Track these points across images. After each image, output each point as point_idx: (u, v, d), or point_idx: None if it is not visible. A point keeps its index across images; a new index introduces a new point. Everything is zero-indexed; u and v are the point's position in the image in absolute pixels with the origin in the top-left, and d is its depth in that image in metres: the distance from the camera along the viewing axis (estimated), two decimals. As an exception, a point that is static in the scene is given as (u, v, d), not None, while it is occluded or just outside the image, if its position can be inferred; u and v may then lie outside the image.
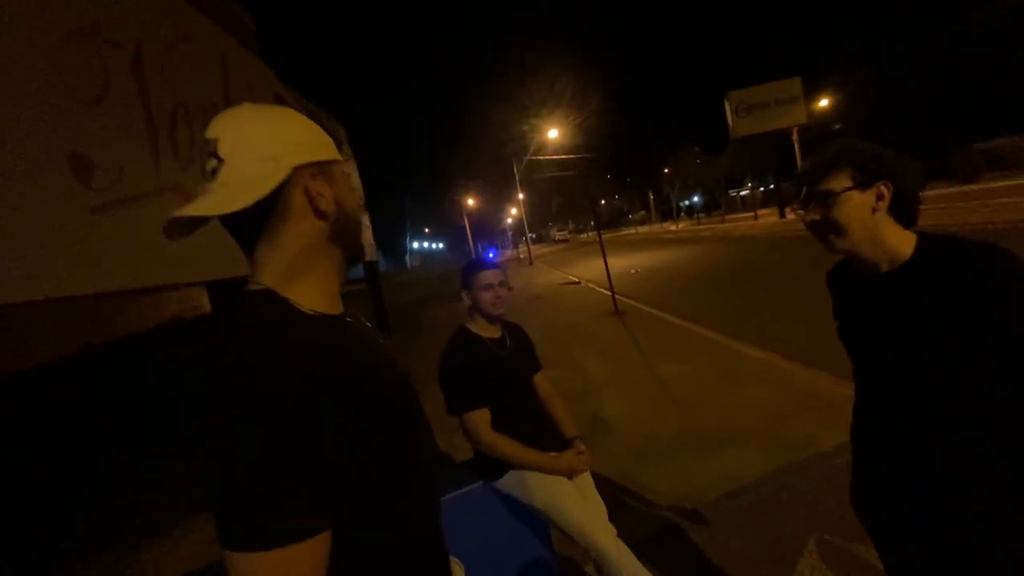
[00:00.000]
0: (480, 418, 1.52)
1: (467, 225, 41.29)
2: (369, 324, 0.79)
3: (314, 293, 0.67)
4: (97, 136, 2.19)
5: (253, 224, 0.65)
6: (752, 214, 28.49)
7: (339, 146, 5.67)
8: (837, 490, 2.08)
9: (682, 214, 46.89)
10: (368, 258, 7.38)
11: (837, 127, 26.37)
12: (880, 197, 0.94)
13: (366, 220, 7.41)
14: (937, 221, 9.61)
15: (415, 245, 77.02)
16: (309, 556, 0.53)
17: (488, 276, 1.62)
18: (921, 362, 0.91)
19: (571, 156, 27.14)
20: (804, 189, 1.01)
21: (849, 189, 0.95)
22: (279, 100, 4.57)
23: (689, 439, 2.88)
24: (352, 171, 7.09)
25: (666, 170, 40.63)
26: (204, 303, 7.39)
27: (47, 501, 3.06)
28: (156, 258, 2.49)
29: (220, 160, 0.64)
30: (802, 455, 2.45)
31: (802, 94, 24.23)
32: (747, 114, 24.17)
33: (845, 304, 1.09)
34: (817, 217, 0.98)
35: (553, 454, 1.59)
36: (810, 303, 5.69)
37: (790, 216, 20.71)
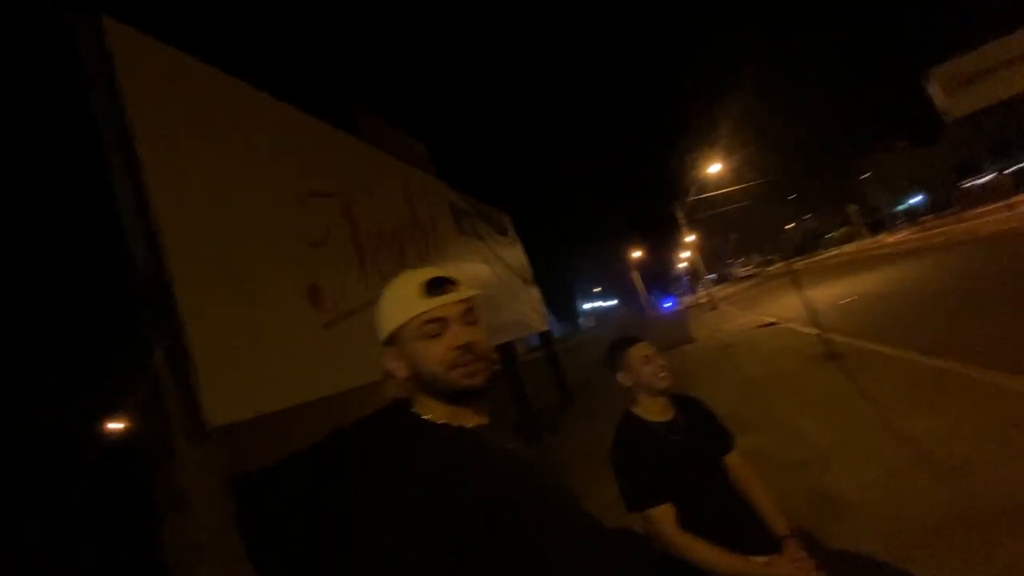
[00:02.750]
0: (662, 515, 1.36)
1: (636, 277, 40.39)
2: (502, 436, 0.87)
3: (446, 417, 0.81)
4: (323, 269, 2.77)
5: None
6: (1004, 204, 22.23)
7: (504, 232, 6.19)
8: None
9: (900, 221, 38.97)
10: (543, 328, 7.67)
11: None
12: None
13: (536, 292, 7.80)
14: None
15: (586, 306, 77.72)
16: None
17: (641, 349, 1.53)
18: None
19: (742, 185, 25.13)
20: None
21: None
22: (452, 207, 5.25)
23: (964, 520, 2.17)
24: (518, 251, 7.64)
25: (865, 175, 34.69)
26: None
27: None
28: (372, 358, 2.97)
29: None
30: None
31: (1045, 44, 18.88)
32: (965, 88, 19.61)
33: None
34: None
35: (761, 559, 1.33)
36: None
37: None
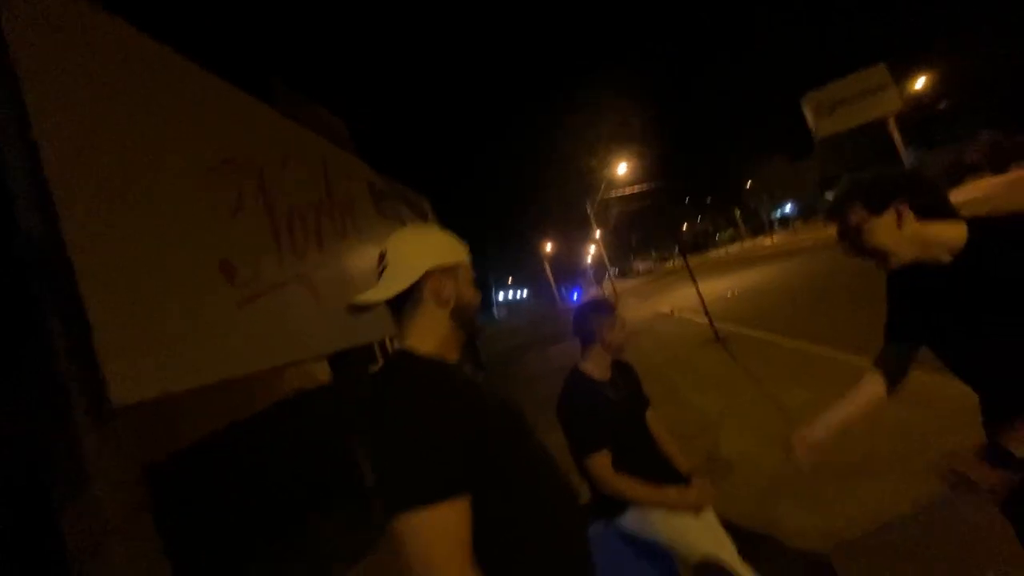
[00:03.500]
0: (603, 459, 1.54)
1: (547, 270, 41.68)
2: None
3: (440, 352, 0.96)
4: (236, 243, 2.61)
5: (397, 308, 0.97)
6: (857, 215, 25.96)
7: (424, 216, 6.14)
8: (1020, 520, 1.79)
9: (775, 226, 43.92)
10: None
11: (942, 106, 23.74)
12: (899, 214, 1.03)
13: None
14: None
15: (500, 297, 78.88)
16: (455, 516, 0.73)
17: (616, 317, 1.74)
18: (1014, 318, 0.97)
19: (644, 186, 26.84)
20: (837, 228, 1.13)
21: (866, 219, 1.06)
22: (372, 188, 5.10)
23: (824, 472, 2.62)
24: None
25: (749, 183, 38.68)
26: (322, 375, 8.09)
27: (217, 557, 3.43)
28: (288, 340, 2.85)
29: (385, 265, 0.97)
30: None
31: (891, 80, 22.27)
32: (830, 112, 22.59)
33: (913, 298, 1.16)
34: (855, 253, 1.12)
35: (677, 489, 1.58)
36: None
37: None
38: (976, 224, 1.01)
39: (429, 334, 0.95)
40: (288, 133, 3.59)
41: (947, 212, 1.04)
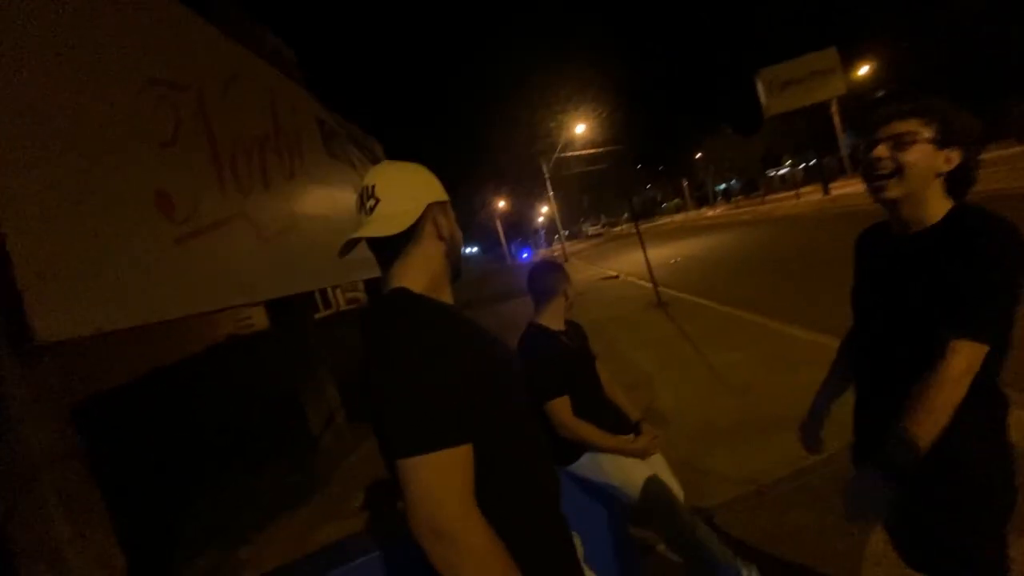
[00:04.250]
0: (564, 404, 1.61)
1: (499, 228, 41.54)
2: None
3: (438, 292, 0.92)
4: (174, 174, 2.41)
5: (394, 245, 0.90)
6: (794, 193, 27.45)
7: (376, 161, 5.86)
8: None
9: (719, 199, 45.64)
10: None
11: (880, 95, 24.97)
12: (948, 161, 0.95)
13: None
14: (1003, 184, 9.04)
15: (450, 251, 77.87)
16: (461, 462, 0.73)
17: (569, 277, 1.83)
18: (906, 317, 0.97)
19: (599, 150, 26.94)
20: (879, 116, 1.00)
21: (929, 141, 0.94)
22: (321, 124, 4.81)
23: (748, 425, 2.88)
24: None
25: (698, 155, 39.71)
26: (259, 321, 7.78)
27: (145, 508, 3.35)
28: (229, 282, 2.71)
29: (377, 200, 0.89)
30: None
31: (839, 64, 23.18)
32: (781, 90, 23.32)
33: (867, 266, 1.14)
34: (886, 154, 0.97)
35: (628, 436, 1.69)
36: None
37: (835, 192, 19.84)
38: (957, 212, 0.95)
39: (423, 273, 0.91)
40: (231, 56, 3.28)
41: (958, 191, 0.98)
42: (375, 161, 6.81)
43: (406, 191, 0.91)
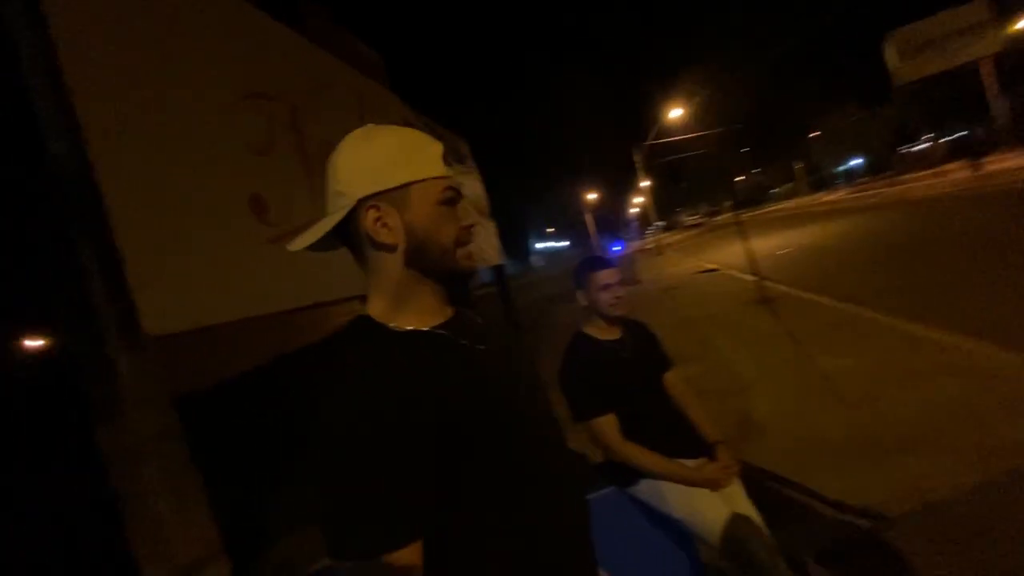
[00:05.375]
0: (607, 424, 1.45)
1: (588, 219, 40.82)
2: (478, 327, 0.78)
3: (406, 313, 0.70)
4: (267, 180, 2.59)
5: (355, 254, 0.73)
6: (933, 172, 23.77)
7: (462, 160, 5.97)
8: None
9: (839, 182, 40.95)
10: (497, 262, 7.68)
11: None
12: None
13: (492, 226, 7.71)
14: None
15: (538, 246, 78.40)
16: (401, 566, 0.57)
17: (604, 276, 1.55)
18: None
19: (697, 134, 25.31)
20: None
21: None
22: (408, 125, 4.97)
23: (862, 443, 2.48)
24: (476, 181, 7.43)
25: (814, 134, 35.78)
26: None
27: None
28: (320, 279, 2.88)
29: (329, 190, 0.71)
30: (1016, 463, 1.97)
31: (994, 15, 19.52)
32: (916, 54, 20.20)
33: None
34: None
35: (693, 463, 1.47)
36: (1019, 270, 4.57)
37: (988, 168, 16.82)
38: None
39: (381, 292, 0.71)
40: (321, 65, 3.47)
41: None
42: (459, 159, 6.93)
43: (334, 182, 0.69)
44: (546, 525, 0.70)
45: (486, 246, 7.15)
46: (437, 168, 0.70)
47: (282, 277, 2.54)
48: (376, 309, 0.71)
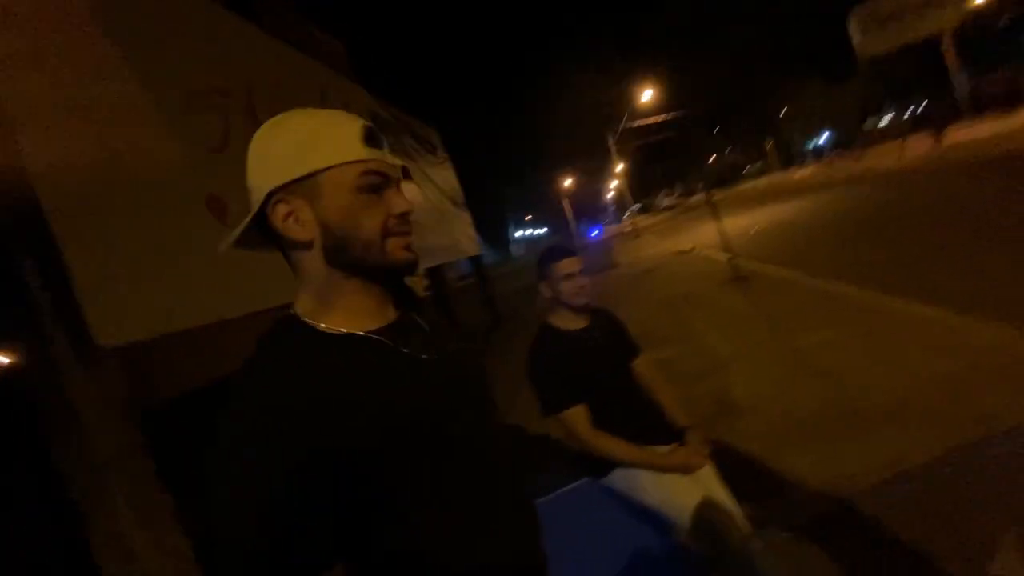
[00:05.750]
0: (576, 416, 1.44)
1: (566, 206, 40.90)
2: (424, 333, 0.71)
3: (335, 315, 0.64)
4: (225, 179, 2.48)
5: (283, 253, 0.67)
6: (897, 144, 24.34)
7: (433, 150, 5.88)
8: (1043, 473, 1.68)
9: (808, 158, 41.70)
10: (473, 253, 7.62)
11: (1003, 23, 21.29)
12: None
13: (467, 216, 7.64)
14: None
15: (517, 234, 78.31)
16: None
17: (566, 265, 1.52)
18: None
19: (668, 116, 25.43)
20: None
21: None
22: (375, 118, 4.86)
23: (837, 418, 2.53)
24: (447, 171, 7.34)
25: (783, 111, 36.27)
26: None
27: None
28: (286, 281, 2.80)
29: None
30: (986, 431, 2.01)
31: (955, -11, 19.96)
32: (880, 28, 20.56)
33: None
34: None
35: (665, 449, 1.47)
36: (986, 240, 4.72)
37: (949, 141, 17.30)
38: None
39: (309, 292, 0.65)
40: (279, 57, 3.34)
41: None
42: (431, 150, 6.83)
43: (247, 177, 0.64)
44: (488, 547, 0.66)
45: (461, 236, 7.08)
46: (352, 150, 0.62)
47: (257, 277, 2.45)
48: (303, 308, 0.65)
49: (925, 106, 23.96)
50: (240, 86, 2.81)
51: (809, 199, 14.31)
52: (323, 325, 0.63)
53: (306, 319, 0.63)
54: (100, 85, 1.94)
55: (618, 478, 1.46)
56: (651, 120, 24.79)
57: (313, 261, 0.64)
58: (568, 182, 40.47)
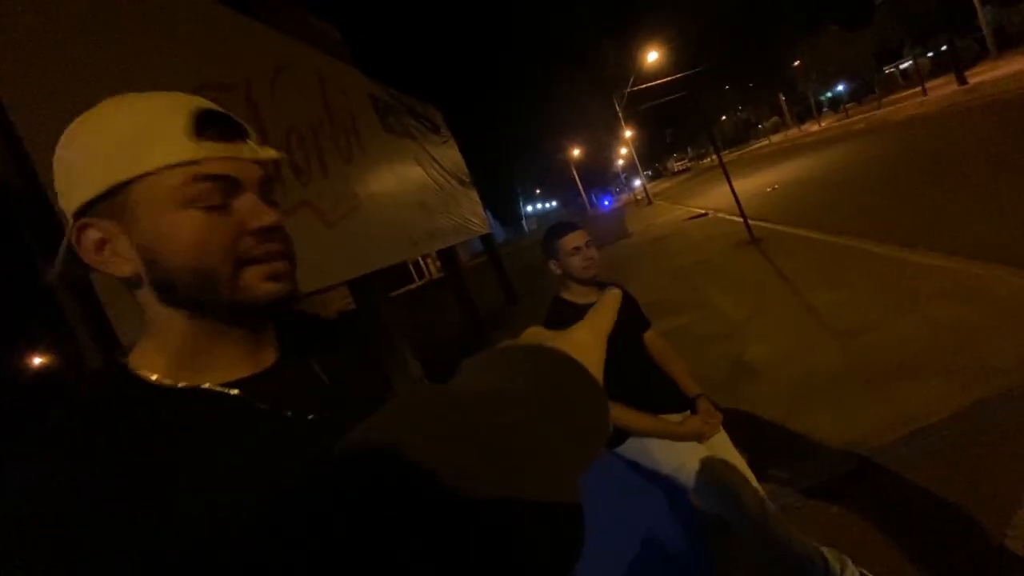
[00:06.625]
0: None
1: (575, 177, 40.33)
2: (308, 384, 0.54)
3: (183, 365, 0.47)
4: (232, 174, 2.51)
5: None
6: (919, 89, 23.30)
7: (436, 130, 5.82)
8: (1069, 422, 1.66)
9: (825, 110, 40.24)
10: (482, 231, 7.60)
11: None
12: None
13: (474, 194, 7.60)
14: None
15: (528, 208, 77.74)
16: None
17: (572, 239, 1.53)
18: None
19: (676, 76, 24.67)
20: None
21: None
22: (374, 101, 4.82)
23: (856, 375, 2.52)
24: (452, 149, 7.28)
25: (797, 62, 34.86)
26: (343, 302, 8.30)
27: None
28: (299, 269, 2.85)
29: None
30: (1011, 383, 1.98)
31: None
32: (898, -34, 19.47)
33: None
34: None
35: (677, 417, 1.49)
36: (1010, 185, 4.55)
37: (974, 80, 16.49)
38: None
39: (148, 336, 0.48)
40: (276, 48, 3.32)
41: None
42: (434, 130, 6.75)
43: (55, 186, 0.47)
44: None
45: (469, 215, 7.07)
46: (173, 149, 0.44)
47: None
48: (137, 356, 0.47)
49: (947, 46, 22.78)
50: (239, 80, 2.81)
51: (826, 153, 13.87)
52: (154, 376, 0.45)
53: (134, 369, 0.46)
54: (104, 84, 1.96)
55: (631, 447, 1.49)
56: (659, 82, 24.08)
57: (147, 300, 0.47)
58: (576, 152, 39.81)
